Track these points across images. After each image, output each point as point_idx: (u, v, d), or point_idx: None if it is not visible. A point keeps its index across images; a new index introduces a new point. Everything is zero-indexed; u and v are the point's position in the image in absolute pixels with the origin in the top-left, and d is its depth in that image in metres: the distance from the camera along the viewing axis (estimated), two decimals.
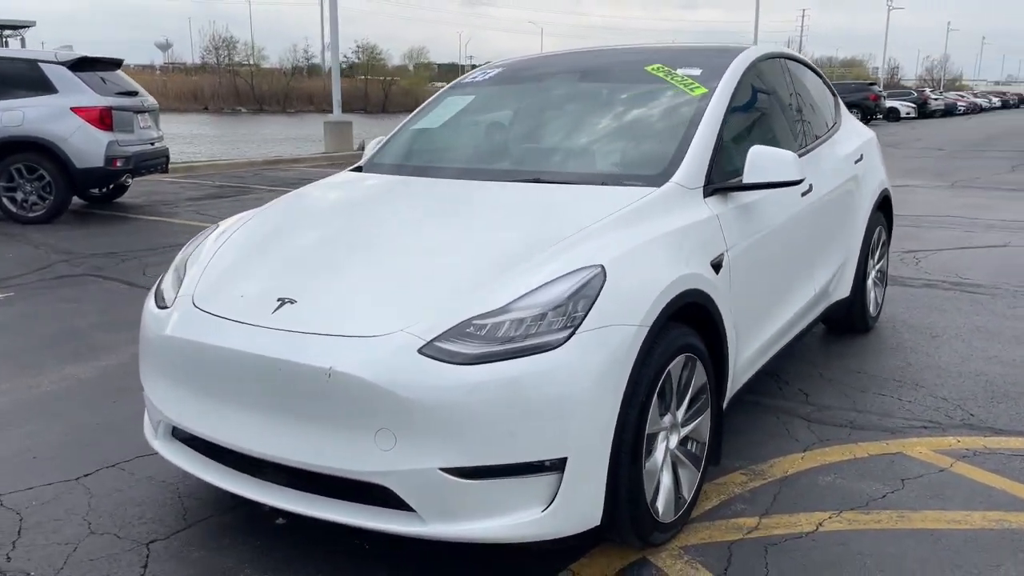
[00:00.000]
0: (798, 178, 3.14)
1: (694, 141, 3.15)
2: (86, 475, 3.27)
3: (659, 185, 2.98)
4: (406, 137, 4.00)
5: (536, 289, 2.39)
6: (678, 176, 3.02)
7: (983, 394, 4.05)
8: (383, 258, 2.74)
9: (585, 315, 2.33)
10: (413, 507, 2.29)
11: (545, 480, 2.29)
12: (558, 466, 2.28)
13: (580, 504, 2.34)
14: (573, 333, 2.30)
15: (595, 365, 2.30)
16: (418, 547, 2.70)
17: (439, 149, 3.88)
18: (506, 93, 4.03)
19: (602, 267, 2.45)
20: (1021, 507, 2.96)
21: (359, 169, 3.86)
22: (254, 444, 2.46)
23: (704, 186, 3.08)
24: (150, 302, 2.95)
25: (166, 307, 2.82)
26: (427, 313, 2.37)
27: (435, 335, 2.30)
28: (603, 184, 3.08)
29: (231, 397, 2.50)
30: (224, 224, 3.32)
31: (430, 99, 4.14)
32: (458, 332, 2.31)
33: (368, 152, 4.02)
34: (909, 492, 3.07)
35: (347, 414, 2.29)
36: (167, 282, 3.01)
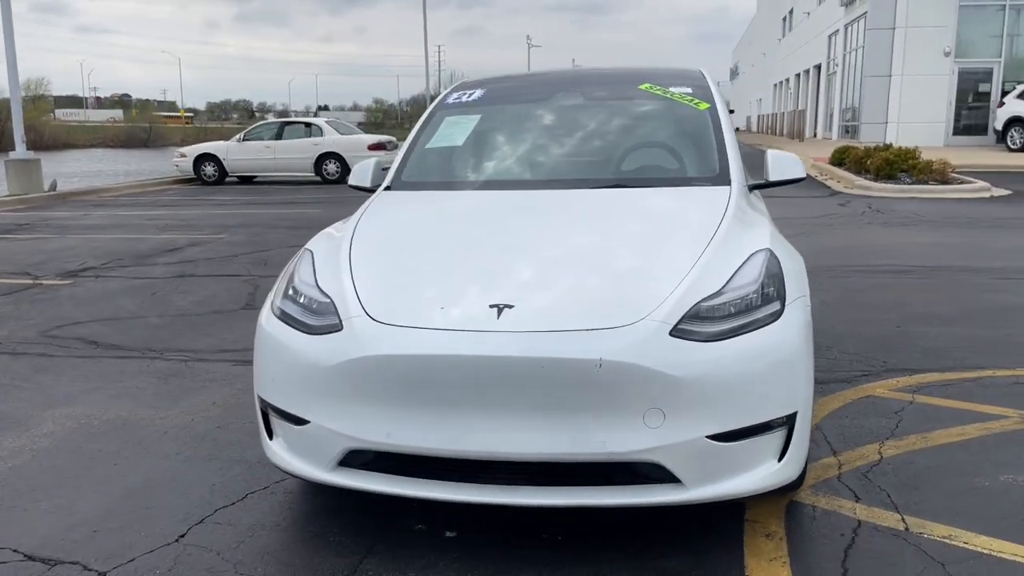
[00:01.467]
0: (804, 175, 3.79)
1: (728, 148, 3.66)
2: (182, 535, 2.93)
3: (727, 184, 3.44)
4: (430, 156, 4.00)
5: (736, 272, 2.73)
6: (734, 176, 3.51)
7: (875, 347, 5.03)
8: (561, 259, 2.88)
9: (783, 290, 2.73)
10: (679, 477, 2.51)
11: (778, 435, 2.63)
12: (789, 420, 2.63)
13: (801, 452, 2.71)
14: (783, 306, 2.68)
15: (802, 331, 2.70)
16: (611, 521, 2.88)
17: (488, 164, 3.92)
18: (520, 111, 4.19)
19: (769, 250, 2.86)
20: (985, 418, 3.84)
21: (388, 188, 3.83)
22: (501, 446, 2.49)
23: (747, 184, 3.60)
24: (287, 332, 2.78)
25: (325, 332, 2.69)
26: (655, 302, 2.60)
27: (677, 319, 2.55)
28: (679, 186, 3.47)
29: (466, 405, 2.50)
30: (315, 246, 3.17)
31: (423, 121, 4.14)
32: (693, 315, 2.58)
33: (366, 174, 3.97)
34: (910, 421, 3.83)
35: (615, 400, 2.45)
36: (292, 309, 2.85)
